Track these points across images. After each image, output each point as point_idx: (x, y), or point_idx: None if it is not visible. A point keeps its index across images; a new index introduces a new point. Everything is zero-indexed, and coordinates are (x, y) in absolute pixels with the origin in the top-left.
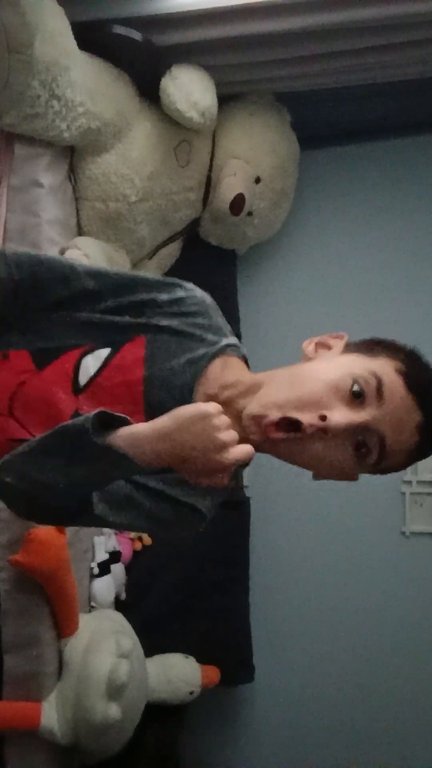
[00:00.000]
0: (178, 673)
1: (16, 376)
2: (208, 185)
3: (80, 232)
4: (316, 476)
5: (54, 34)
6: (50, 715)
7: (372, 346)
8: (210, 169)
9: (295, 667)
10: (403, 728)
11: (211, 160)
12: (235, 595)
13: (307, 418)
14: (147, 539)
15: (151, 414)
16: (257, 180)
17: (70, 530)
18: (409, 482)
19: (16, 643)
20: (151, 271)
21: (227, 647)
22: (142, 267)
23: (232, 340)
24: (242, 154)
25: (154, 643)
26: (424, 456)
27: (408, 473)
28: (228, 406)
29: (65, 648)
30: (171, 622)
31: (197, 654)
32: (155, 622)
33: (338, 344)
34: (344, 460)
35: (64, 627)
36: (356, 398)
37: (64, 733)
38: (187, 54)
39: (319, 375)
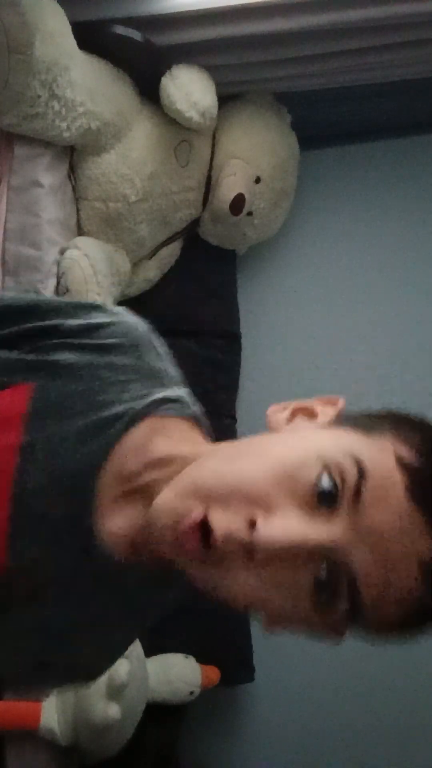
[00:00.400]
0: (178, 673)
1: None
2: (208, 185)
3: (80, 232)
4: (268, 624)
5: (54, 34)
6: (50, 715)
7: (377, 420)
8: (210, 169)
9: (295, 667)
10: (404, 728)
11: (211, 160)
12: None
13: (226, 521)
14: None
15: (20, 505)
16: (257, 180)
17: None
18: None
19: None
20: (151, 270)
21: (227, 647)
22: (142, 267)
23: (173, 392)
24: (242, 154)
25: (154, 643)
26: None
27: None
28: (150, 495)
29: None
30: (171, 622)
31: (197, 654)
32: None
33: (327, 413)
34: (294, 607)
35: None
36: (322, 501)
37: (64, 733)
38: (187, 54)
39: (272, 453)
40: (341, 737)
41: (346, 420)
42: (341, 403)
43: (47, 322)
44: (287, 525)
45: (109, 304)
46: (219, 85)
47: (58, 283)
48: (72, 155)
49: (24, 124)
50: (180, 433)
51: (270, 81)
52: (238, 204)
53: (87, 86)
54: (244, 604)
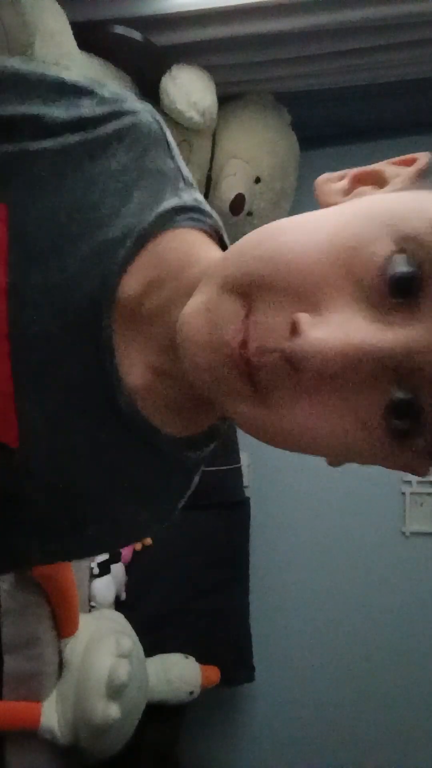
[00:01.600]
0: (178, 673)
1: None
2: (208, 185)
3: None
4: (335, 462)
5: (54, 34)
6: (50, 715)
7: None
8: (210, 169)
9: (295, 667)
10: (404, 728)
11: (211, 160)
12: (235, 595)
13: (264, 326)
14: (147, 539)
15: (24, 359)
16: (257, 180)
17: None
18: (409, 482)
19: (16, 643)
20: None
21: (227, 647)
22: None
23: (187, 198)
24: (242, 154)
25: (154, 643)
26: None
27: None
28: (166, 318)
29: (65, 648)
30: (171, 622)
31: (197, 654)
32: (155, 622)
33: (403, 174)
34: (363, 439)
35: (64, 627)
36: (396, 292)
37: (64, 733)
38: (187, 54)
39: (326, 227)
40: (341, 737)
41: (413, 181)
42: (425, 158)
43: (23, 109)
44: (344, 325)
45: (107, 85)
46: (219, 85)
47: None
48: None
49: None
50: (198, 245)
51: (270, 81)
52: (238, 204)
53: None
54: (304, 447)
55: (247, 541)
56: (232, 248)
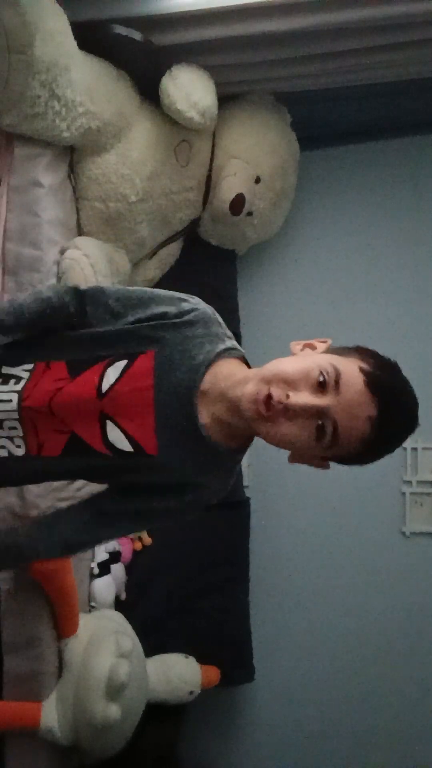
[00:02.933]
0: (178, 673)
1: (54, 382)
2: (208, 185)
3: (80, 232)
4: (291, 459)
5: (54, 34)
6: (50, 715)
7: (348, 350)
8: (210, 169)
9: (295, 667)
10: (403, 728)
11: (211, 160)
12: (235, 595)
13: (277, 393)
14: (147, 539)
15: (160, 413)
16: (257, 180)
17: None
18: (409, 482)
19: (16, 643)
20: (151, 270)
21: (227, 647)
22: (142, 267)
23: (229, 343)
24: (242, 154)
25: (154, 643)
26: (379, 451)
27: (408, 473)
28: (222, 397)
29: (65, 648)
30: (171, 622)
31: (197, 654)
32: (155, 622)
33: (321, 347)
34: (305, 440)
35: (64, 627)
36: (320, 387)
37: (64, 733)
38: (187, 54)
39: (297, 363)
40: (341, 737)
41: (333, 350)
42: (329, 341)
43: (160, 309)
44: (305, 397)
45: (192, 296)
46: (219, 85)
47: (58, 282)
48: (72, 155)
49: (24, 124)
50: (235, 365)
51: (270, 81)
52: (238, 204)
53: (87, 86)
54: (283, 444)
55: (247, 541)
56: (264, 366)
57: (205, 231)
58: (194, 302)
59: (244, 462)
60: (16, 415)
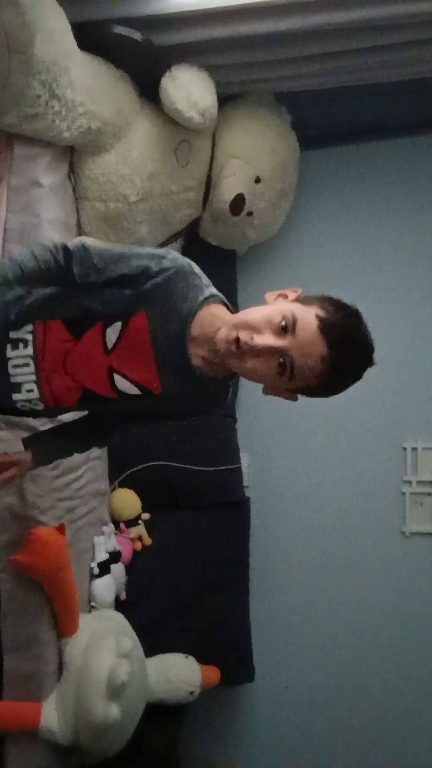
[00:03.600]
0: (178, 673)
1: (60, 343)
2: (208, 185)
3: (80, 232)
4: (264, 391)
5: (54, 34)
6: (50, 715)
7: (313, 298)
8: (210, 169)
9: (295, 667)
10: (403, 727)
11: (211, 160)
12: (235, 595)
13: (244, 336)
14: (147, 539)
15: (159, 360)
16: (257, 180)
17: (70, 530)
18: (409, 482)
19: (16, 643)
20: None
21: (227, 647)
22: None
23: (208, 292)
24: (242, 154)
25: (154, 643)
26: (335, 385)
27: (408, 473)
28: (208, 340)
29: (65, 648)
30: (171, 622)
31: (197, 654)
32: (155, 622)
33: (292, 295)
34: (270, 375)
35: (64, 627)
36: (282, 330)
37: (64, 733)
38: (187, 54)
39: (263, 311)
40: (341, 737)
41: (301, 300)
42: (299, 291)
43: (143, 264)
44: (267, 339)
45: (168, 251)
46: (219, 85)
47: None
48: (72, 155)
49: (24, 124)
50: (219, 310)
51: (270, 81)
52: (238, 204)
53: (87, 86)
54: (253, 378)
55: (247, 541)
56: (235, 315)
57: (205, 231)
58: (171, 257)
59: (244, 462)
60: (34, 378)
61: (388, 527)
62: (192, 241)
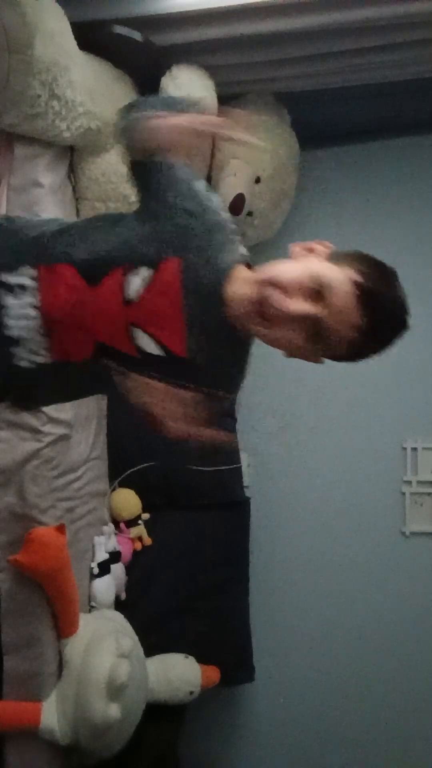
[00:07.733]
0: (178, 673)
1: (70, 291)
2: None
3: None
4: (287, 355)
5: (54, 34)
6: (50, 715)
7: (346, 256)
8: (210, 169)
9: (295, 667)
10: (403, 728)
11: (211, 160)
12: (235, 595)
13: (276, 298)
14: (147, 539)
15: (189, 319)
16: (257, 180)
17: (70, 530)
18: (409, 482)
19: (16, 643)
20: None
21: (227, 647)
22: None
23: (241, 250)
24: (242, 154)
25: (154, 643)
26: (367, 353)
27: (408, 473)
28: (235, 298)
29: (65, 648)
30: (171, 622)
31: (197, 654)
32: (155, 622)
33: (323, 252)
34: (299, 343)
35: (64, 627)
36: (313, 295)
37: (64, 733)
38: (187, 54)
39: (294, 270)
40: (341, 737)
41: (330, 256)
42: (330, 246)
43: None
44: (300, 305)
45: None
46: (219, 85)
47: None
48: (72, 155)
49: (24, 124)
50: (245, 269)
51: (270, 81)
52: (238, 204)
53: (87, 86)
54: (278, 347)
55: (247, 541)
56: (261, 270)
57: None
58: (218, 207)
59: (244, 462)
60: (42, 331)
61: (388, 527)
62: None
